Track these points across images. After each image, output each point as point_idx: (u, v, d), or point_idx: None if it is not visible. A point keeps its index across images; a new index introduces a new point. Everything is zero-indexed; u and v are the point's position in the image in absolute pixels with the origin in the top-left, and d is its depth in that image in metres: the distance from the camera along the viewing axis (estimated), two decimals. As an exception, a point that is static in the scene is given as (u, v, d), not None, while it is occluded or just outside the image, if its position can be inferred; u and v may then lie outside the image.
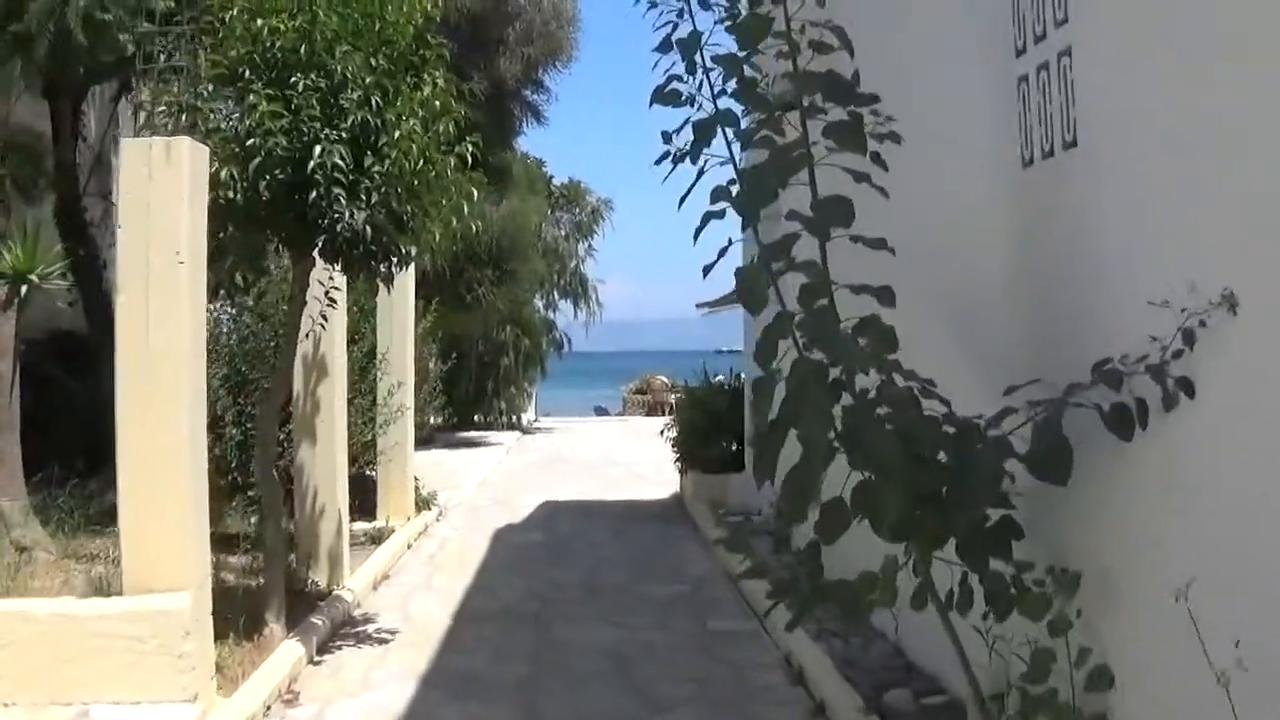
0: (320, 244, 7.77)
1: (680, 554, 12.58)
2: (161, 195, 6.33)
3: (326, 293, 8.70)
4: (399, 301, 13.84)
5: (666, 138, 4.85)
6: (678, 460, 16.08)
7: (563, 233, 32.25)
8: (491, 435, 28.47)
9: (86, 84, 13.05)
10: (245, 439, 11.55)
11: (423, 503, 14.80)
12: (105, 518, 9.88)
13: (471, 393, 30.40)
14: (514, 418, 31.63)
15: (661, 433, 16.54)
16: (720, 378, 17.08)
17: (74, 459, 11.19)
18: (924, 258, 6.23)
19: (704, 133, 4.86)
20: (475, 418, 30.94)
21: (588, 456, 24.27)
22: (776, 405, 5.08)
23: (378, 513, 13.66)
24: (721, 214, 4.83)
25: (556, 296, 32.69)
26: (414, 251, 8.08)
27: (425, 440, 25.07)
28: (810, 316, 4.78)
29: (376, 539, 12.50)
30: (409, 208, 7.88)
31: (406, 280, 13.92)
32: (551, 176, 32.90)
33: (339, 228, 7.49)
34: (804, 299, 4.96)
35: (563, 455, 24.67)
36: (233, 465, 11.53)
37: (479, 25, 24.62)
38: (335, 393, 10.15)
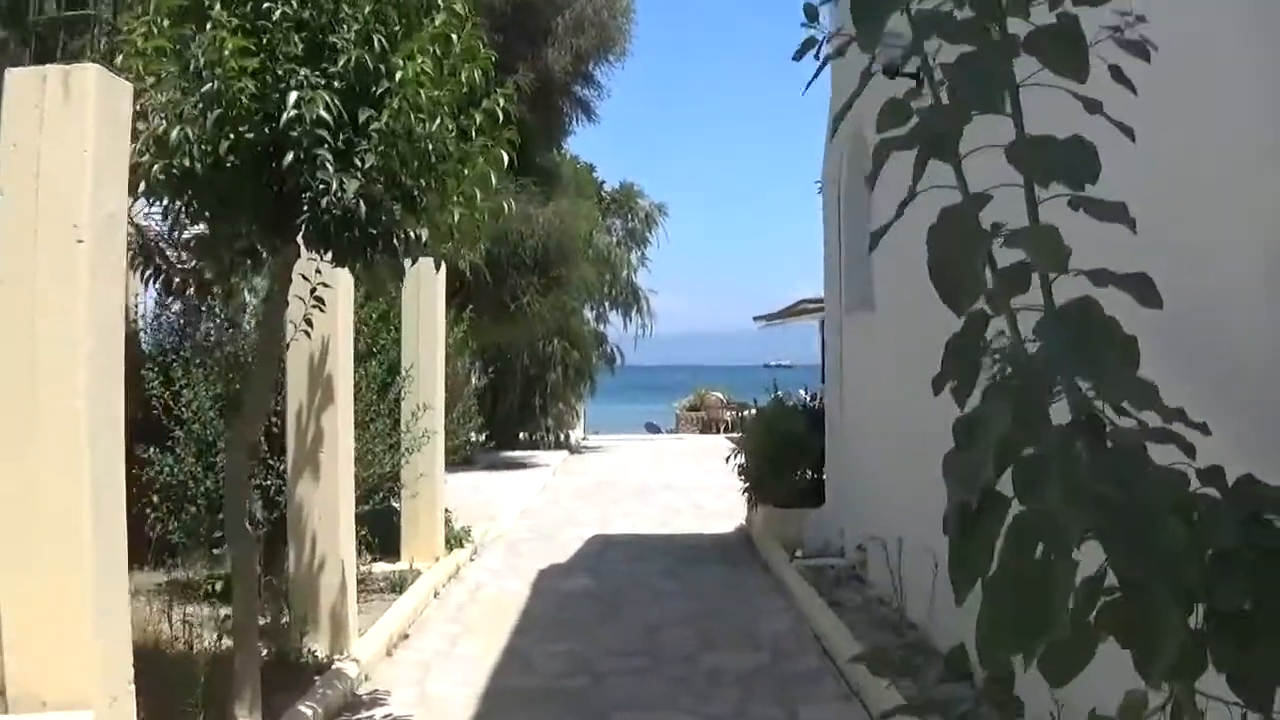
0: (302, 225, 5.86)
1: (754, 607, 10.62)
2: (56, 146, 4.46)
3: (313, 291, 6.76)
4: (426, 308, 12.00)
5: (811, 13, 2.87)
6: (745, 491, 14.11)
7: (614, 239, 30.37)
8: (537, 455, 26.59)
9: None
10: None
11: (454, 539, 12.94)
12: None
13: (516, 409, 28.59)
14: (561, 436, 29.75)
15: (727, 459, 14.55)
16: (785, 394, 15.14)
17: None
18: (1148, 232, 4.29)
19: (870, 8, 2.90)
20: (520, 436, 29.12)
21: (641, 480, 22.33)
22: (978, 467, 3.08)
23: (402, 552, 11.83)
24: (909, 142, 2.86)
25: (607, 307, 30.82)
26: (425, 237, 6.10)
27: (464, 461, 23.31)
28: (1054, 321, 2.83)
29: (398, 585, 10.65)
30: (419, 179, 5.98)
31: (435, 284, 12.09)
32: (603, 182, 31.07)
33: (324, 202, 5.61)
34: (1008, 287, 3.02)
35: (614, 479, 22.73)
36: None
37: (525, 13, 22.78)
38: (340, 417, 8.26)
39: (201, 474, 9.73)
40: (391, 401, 11.33)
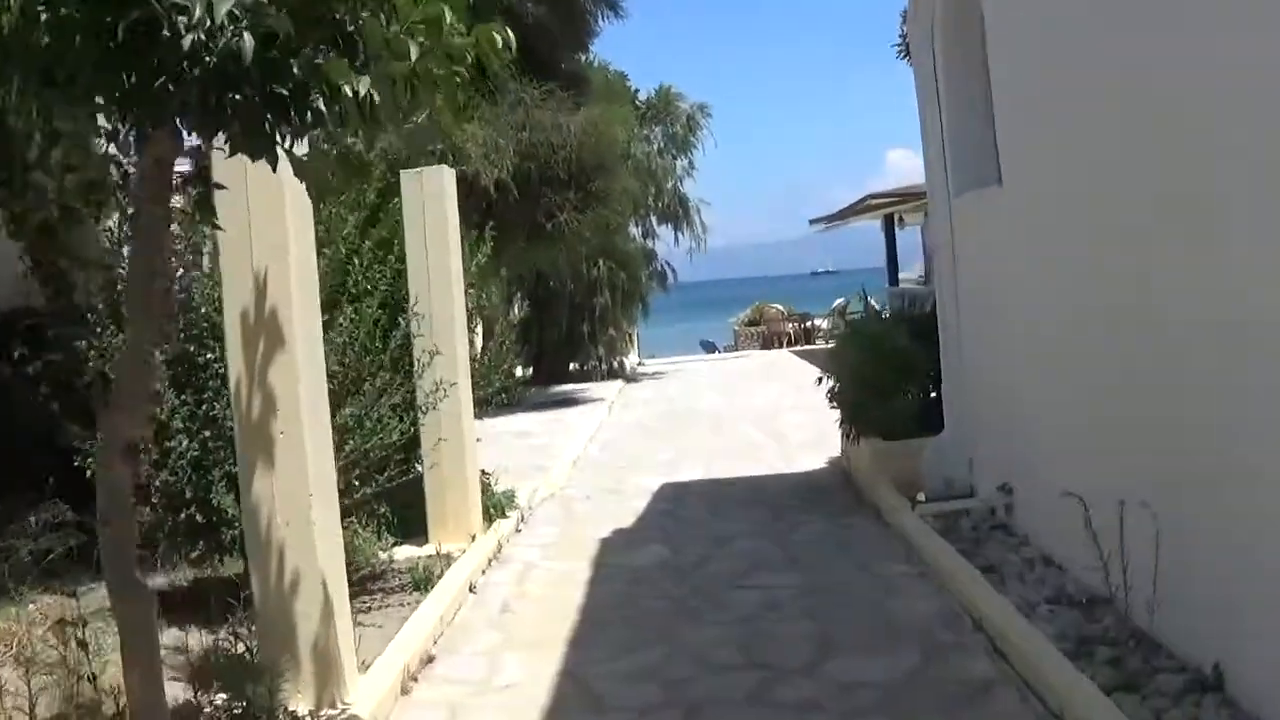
0: (170, 96, 3.49)
1: (879, 578, 8.28)
2: None
3: (200, 193, 4.37)
4: (436, 229, 9.64)
5: None
6: (842, 422, 11.68)
7: (655, 148, 27.76)
8: (590, 388, 24.27)
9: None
10: (205, 452, 7.53)
11: (495, 508, 10.65)
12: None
13: (563, 339, 26.31)
14: (615, 364, 27.35)
15: (820, 381, 12.06)
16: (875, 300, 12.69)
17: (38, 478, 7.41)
18: None
19: None
20: (570, 367, 26.83)
21: (709, 408, 19.95)
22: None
23: (430, 534, 9.59)
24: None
25: (654, 222, 28.30)
26: (369, 92, 3.67)
27: (509, 404, 21.03)
28: None
29: (423, 581, 8.37)
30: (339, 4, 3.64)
31: (444, 197, 9.71)
32: (636, 90, 28.36)
33: (188, 42, 3.28)
34: None
35: (677, 408, 20.35)
36: (187, 494, 7.53)
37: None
38: (302, 377, 5.93)
39: (158, 460, 7.57)
40: (396, 350, 9.02)
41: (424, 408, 9.07)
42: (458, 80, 3.93)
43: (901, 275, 32.29)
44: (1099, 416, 6.72)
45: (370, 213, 9.91)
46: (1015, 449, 8.55)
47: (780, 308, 37.59)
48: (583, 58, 24.45)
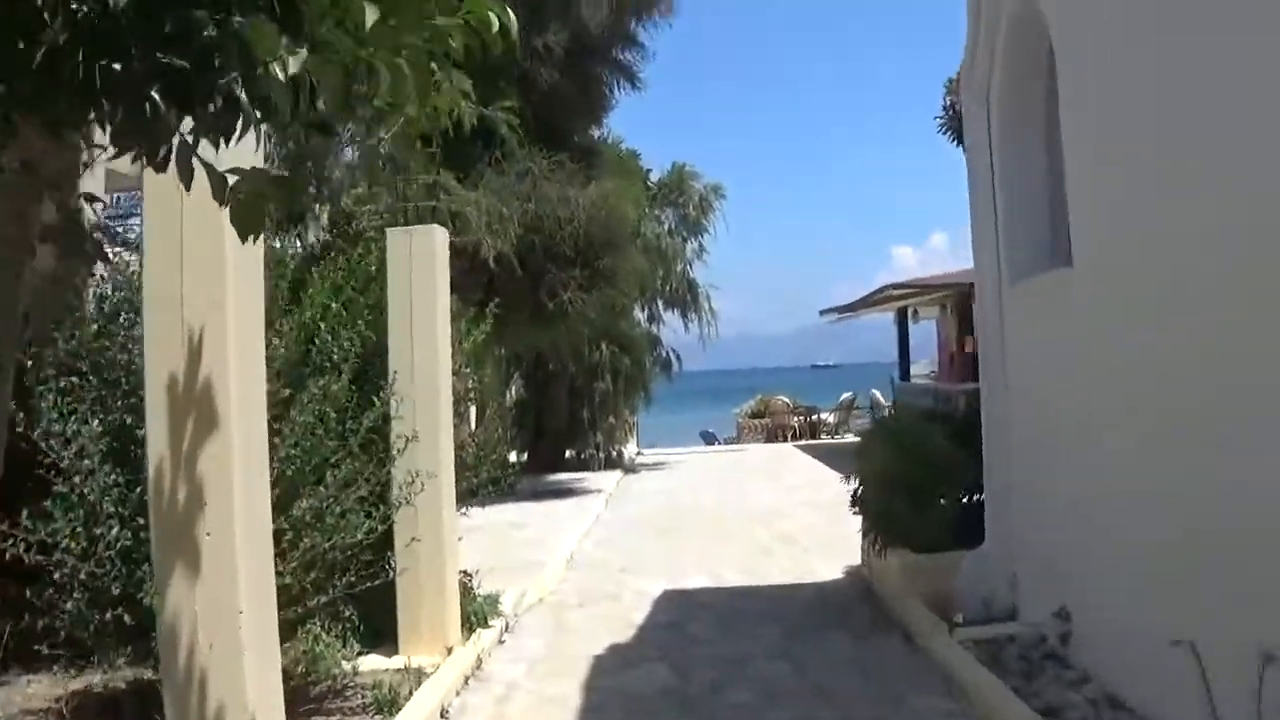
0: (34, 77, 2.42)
1: (917, 714, 7.12)
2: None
3: (63, 224, 3.26)
4: (423, 295, 8.54)
5: None
6: (866, 530, 10.51)
7: (665, 229, 26.66)
8: (587, 478, 23.08)
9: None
10: (137, 542, 6.41)
11: (477, 615, 9.45)
12: None
13: (562, 425, 25.13)
14: (614, 453, 26.11)
15: (845, 479, 10.87)
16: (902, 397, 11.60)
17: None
18: None
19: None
20: (567, 454, 25.64)
21: (713, 506, 18.68)
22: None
23: (401, 644, 8.40)
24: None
25: (660, 306, 27.14)
26: (298, 70, 2.58)
27: (501, 492, 19.85)
28: None
29: (388, 702, 7.20)
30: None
31: (434, 261, 8.63)
32: (649, 170, 27.25)
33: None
34: None
35: (679, 504, 19.11)
36: (114, 590, 6.40)
37: (553, -40, 19.42)
38: (237, 462, 4.81)
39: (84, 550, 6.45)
40: (369, 433, 7.90)
41: (397, 502, 7.91)
42: (432, 65, 2.83)
43: (913, 370, 31.28)
44: (1203, 542, 5.58)
45: (346, 272, 8.85)
46: (1075, 570, 7.40)
47: (786, 400, 36.47)
48: (596, 132, 23.50)
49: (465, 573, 9.84)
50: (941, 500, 9.61)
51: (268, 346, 7.22)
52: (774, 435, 34.68)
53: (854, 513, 11.03)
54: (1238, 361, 5.27)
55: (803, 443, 32.61)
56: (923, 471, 9.53)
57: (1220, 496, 5.43)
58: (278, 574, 6.81)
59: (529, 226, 18.41)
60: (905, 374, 30.60)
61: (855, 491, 10.81)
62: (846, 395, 36.89)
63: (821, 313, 32.42)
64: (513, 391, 26.40)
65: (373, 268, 8.94)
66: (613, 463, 25.55)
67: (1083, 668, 7.23)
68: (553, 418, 25.08)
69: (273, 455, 7.07)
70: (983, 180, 9.09)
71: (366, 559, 7.77)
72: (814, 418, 35.51)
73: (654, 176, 27.23)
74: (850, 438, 34.19)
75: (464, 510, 9.79)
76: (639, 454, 29.96)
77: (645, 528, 16.14)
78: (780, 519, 16.35)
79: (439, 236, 8.81)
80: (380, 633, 8.47)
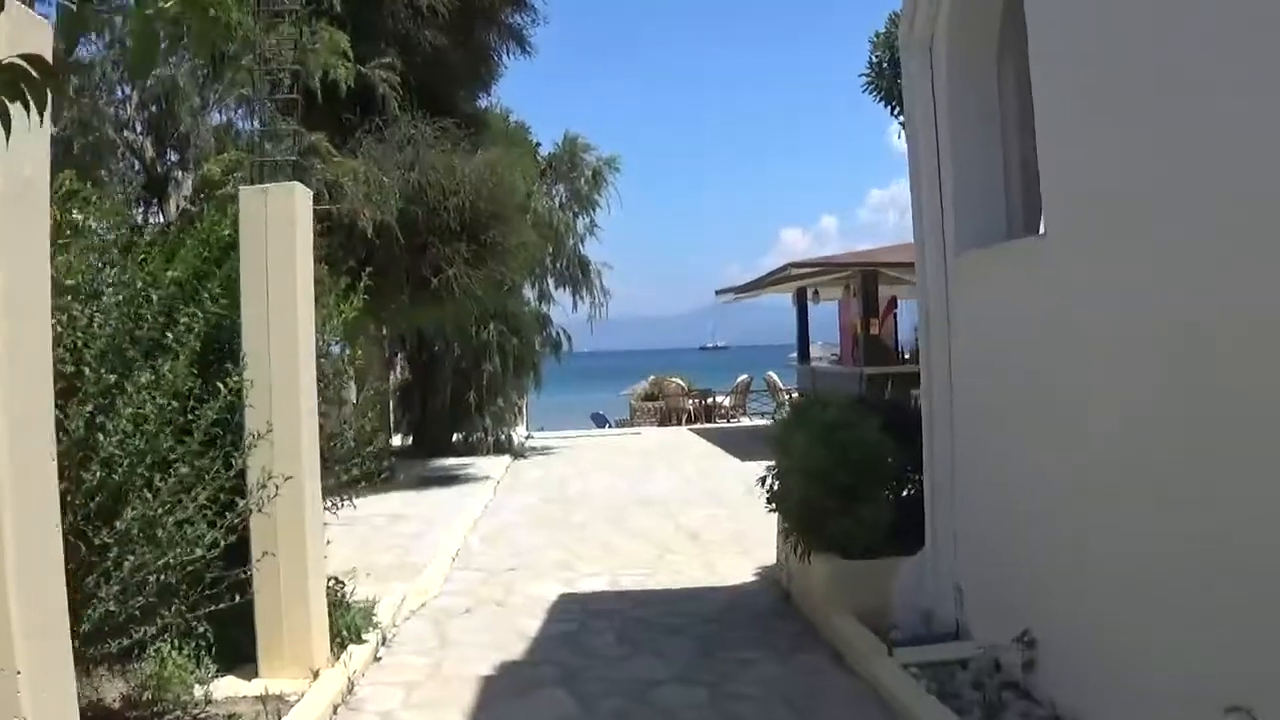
0: None
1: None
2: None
3: None
4: (281, 265, 7.32)
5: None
6: (790, 533, 9.44)
7: (557, 202, 25.38)
8: (475, 463, 21.82)
9: None
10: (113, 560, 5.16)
11: (349, 628, 8.26)
12: None
13: (447, 408, 23.83)
14: (502, 437, 24.78)
15: (763, 482, 9.77)
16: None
17: None
18: None
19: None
20: (454, 438, 24.33)
21: (609, 494, 17.49)
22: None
23: (260, 664, 7.22)
24: None
25: (551, 284, 25.90)
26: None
27: (383, 480, 18.56)
28: None
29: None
30: None
31: (292, 224, 7.41)
32: (539, 144, 25.96)
33: None
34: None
35: (574, 493, 17.91)
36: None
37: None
38: (4, 468, 3.60)
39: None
40: (214, 426, 6.69)
41: (248, 507, 6.71)
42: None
43: (811, 353, 30.47)
44: (1213, 550, 4.60)
45: (200, 239, 7.63)
46: (1041, 584, 6.42)
47: (680, 382, 35.37)
48: (483, 101, 22.19)
49: (336, 579, 8.66)
50: (872, 501, 8.57)
51: (84, 323, 6.00)
52: (668, 418, 33.64)
53: (769, 509, 10.00)
54: (1239, 335, 4.31)
55: (698, 426, 31.60)
56: (853, 466, 8.49)
57: (1233, 497, 4.46)
58: (96, 599, 5.62)
59: (411, 197, 17.13)
60: (805, 356, 29.75)
61: (770, 485, 9.77)
62: (742, 378, 35.95)
63: (718, 293, 31.48)
64: (396, 373, 25.12)
65: (227, 232, 7.74)
66: (501, 447, 24.27)
67: (1048, 699, 6.26)
68: (438, 400, 23.78)
69: (94, 455, 5.86)
70: (925, 146, 8.06)
71: (217, 573, 6.58)
72: (709, 400, 34.52)
73: (545, 150, 26.00)
74: (746, 421, 33.34)
75: (333, 505, 8.59)
76: (529, 437, 28.77)
77: (537, 521, 14.97)
78: (681, 511, 15.28)
79: (300, 196, 7.58)
80: (240, 650, 7.30)
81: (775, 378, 35.55)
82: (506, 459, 22.97)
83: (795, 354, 41.02)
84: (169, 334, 6.62)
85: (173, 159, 16.29)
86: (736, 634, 8.84)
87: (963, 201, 7.67)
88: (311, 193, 7.81)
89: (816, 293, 28.45)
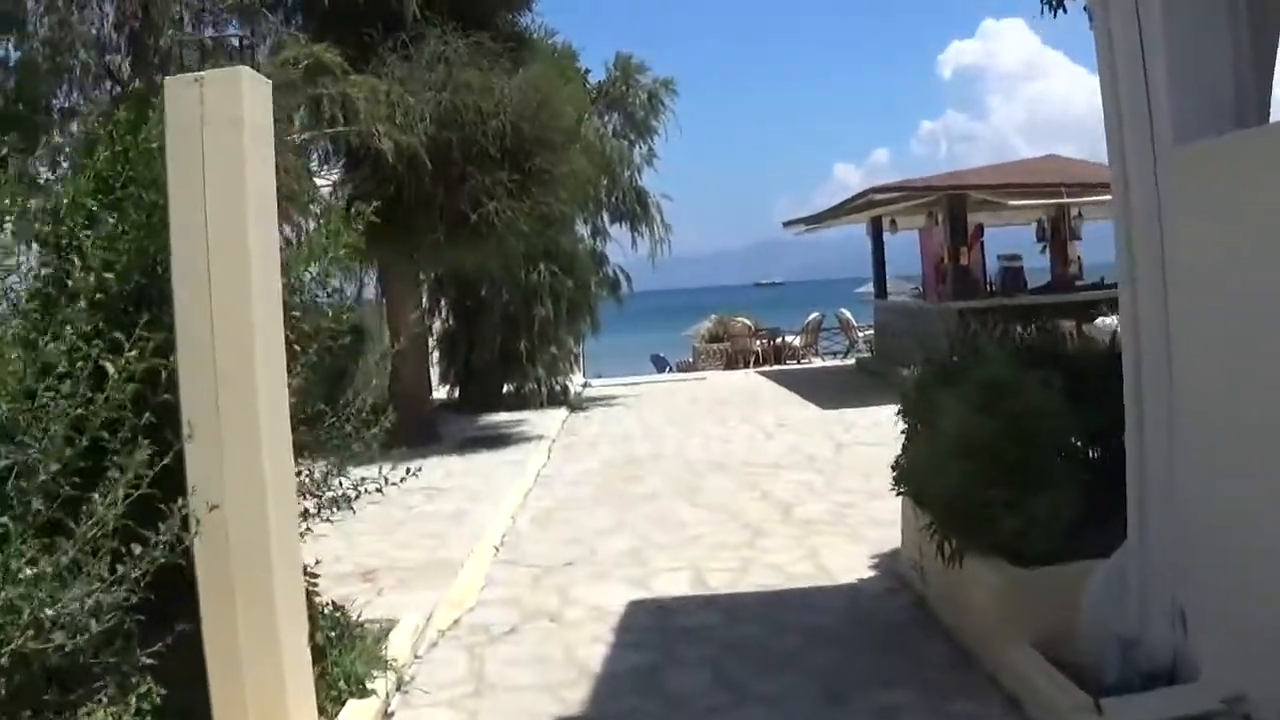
0: None
1: None
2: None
3: None
4: (221, 171, 5.09)
5: None
6: (933, 527, 7.12)
7: (610, 130, 23.04)
8: (527, 419, 19.66)
9: None
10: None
11: (348, 677, 6.11)
12: None
13: (496, 358, 21.64)
14: (557, 387, 22.56)
15: (894, 478, 7.50)
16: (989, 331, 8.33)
17: None
18: None
19: None
20: (505, 389, 22.14)
21: (679, 455, 15.21)
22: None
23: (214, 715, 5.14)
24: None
25: (606, 219, 23.61)
26: None
27: (425, 438, 16.50)
28: None
29: None
30: None
31: (236, 128, 5.15)
32: (588, 70, 23.56)
33: None
34: None
35: (637, 453, 15.67)
36: None
37: None
38: None
39: None
40: (128, 402, 4.54)
41: (147, 555, 4.55)
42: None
43: (890, 287, 28.08)
44: None
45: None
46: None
47: (747, 321, 33.02)
48: (524, 19, 19.71)
49: (335, 606, 6.56)
50: (1056, 485, 6.30)
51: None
52: (734, 361, 31.37)
53: (896, 492, 7.78)
54: None
55: (767, 369, 29.33)
56: (1027, 441, 6.23)
57: None
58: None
59: (443, 121, 14.91)
60: (881, 290, 27.34)
61: (899, 465, 7.53)
62: (814, 316, 33.56)
63: (786, 224, 29.06)
64: (440, 320, 23.01)
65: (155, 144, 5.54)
66: (556, 399, 22.07)
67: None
68: (485, 350, 21.60)
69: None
70: (1123, 23, 5.71)
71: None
72: (778, 341, 32.19)
73: (594, 78, 23.63)
74: (818, 362, 31.07)
75: (316, 515, 6.42)
76: (586, 386, 26.63)
77: (597, 493, 12.77)
78: (767, 476, 13.02)
79: (250, 87, 5.30)
80: (192, 711, 5.19)
81: (848, 315, 33.21)
82: (562, 412, 20.81)
83: (864, 288, 38.64)
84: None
85: (157, 80, 14.11)
86: (867, 662, 6.64)
87: (1182, 85, 5.35)
88: (269, 83, 5.54)
89: (894, 222, 26.00)
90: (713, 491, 12.34)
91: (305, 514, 6.17)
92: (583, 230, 23.15)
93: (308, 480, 6.16)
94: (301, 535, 6.00)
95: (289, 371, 5.68)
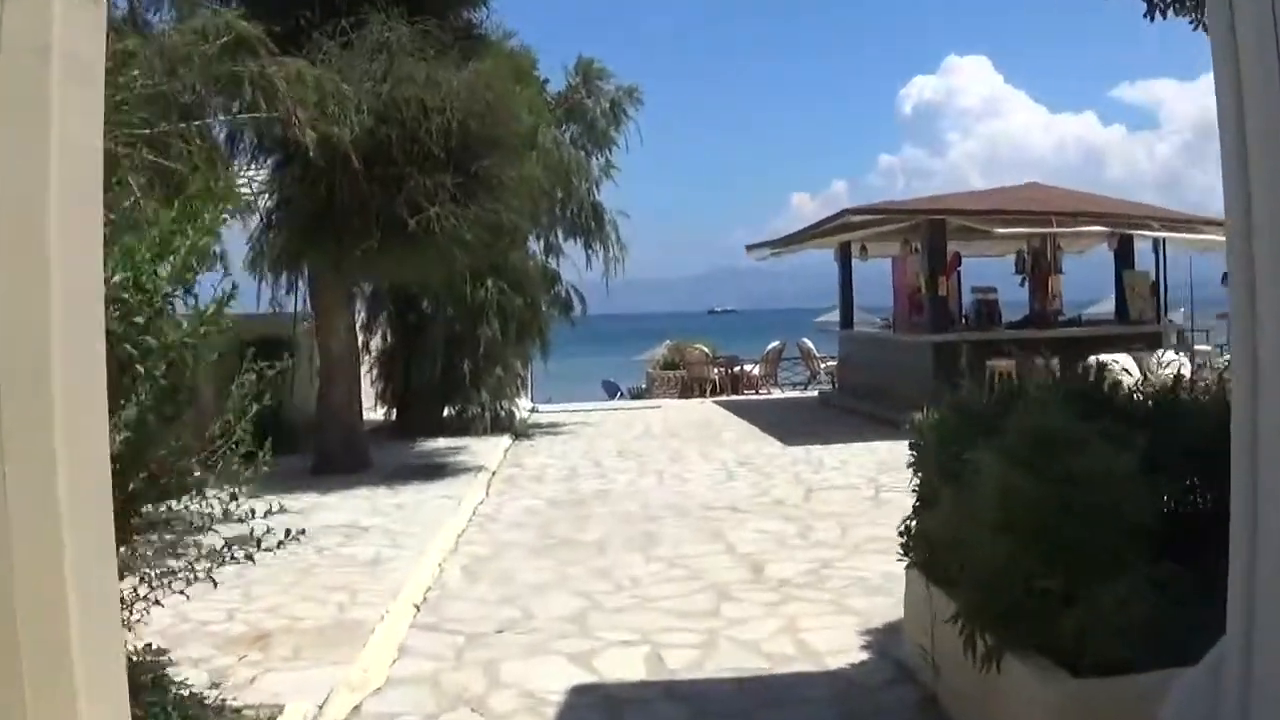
0: None
1: None
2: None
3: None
4: (15, 114, 3.57)
5: None
6: (964, 620, 5.60)
7: (567, 138, 21.48)
8: (468, 446, 18.12)
9: None
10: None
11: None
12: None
13: (437, 380, 20.06)
14: (501, 411, 20.92)
15: (902, 545, 6.00)
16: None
17: None
18: None
19: None
20: (445, 413, 20.56)
21: (632, 493, 13.76)
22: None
23: None
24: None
25: (560, 235, 22.06)
26: None
27: (355, 465, 15.04)
28: None
29: None
30: None
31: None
32: (546, 80, 22.04)
33: None
34: None
35: (586, 491, 14.15)
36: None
37: None
38: None
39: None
40: None
41: None
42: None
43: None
44: None
45: None
46: None
47: (704, 348, 31.51)
48: (475, 13, 18.08)
49: (192, 695, 5.05)
50: (1128, 572, 4.85)
51: None
52: (690, 389, 29.89)
53: (905, 562, 6.35)
54: None
55: (724, 399, 27.90)
56: (1092, 514, 4.80)
57: None
58: None
59: (383, 116, 13.43)
60: (848, 319, 26.00)
61: (908, 532, 6.10)
62: (774, 344, 32.14)
63: (749, 248, 27.63)
64: (377, 338, 21.46)
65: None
66: (500, 424, 20.48)
67: None
68: (426, 369, 20.01)
69: None
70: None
71: None
72: (735, 370, 30.76)
73: (552, 89, 22.14)
74: (778, 393, 29.76)
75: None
76: (533, 411, 25.12)
77: (539, 538, 11.26)
78: (730, 524, 11.57)
79: (64, 8, 3.80)
80: None
81: (810, 345, 31.88)
82: (506, 440, 19.30)
83: (825, 317, 37.35)
84: None
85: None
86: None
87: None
88: (101, 5, 4.03)
89: (864, 248, 24.70)
90: (670, 541, 10.85)
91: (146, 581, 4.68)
92: (534, 245, 21.66)
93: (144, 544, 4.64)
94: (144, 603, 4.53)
95: (125, 397, 4.20)
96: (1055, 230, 20.36)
